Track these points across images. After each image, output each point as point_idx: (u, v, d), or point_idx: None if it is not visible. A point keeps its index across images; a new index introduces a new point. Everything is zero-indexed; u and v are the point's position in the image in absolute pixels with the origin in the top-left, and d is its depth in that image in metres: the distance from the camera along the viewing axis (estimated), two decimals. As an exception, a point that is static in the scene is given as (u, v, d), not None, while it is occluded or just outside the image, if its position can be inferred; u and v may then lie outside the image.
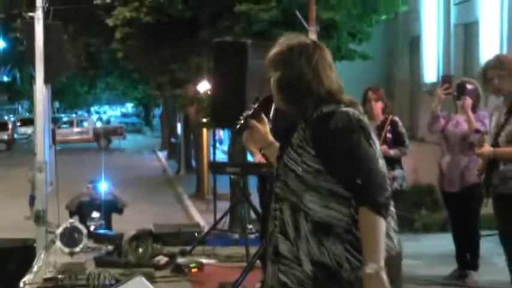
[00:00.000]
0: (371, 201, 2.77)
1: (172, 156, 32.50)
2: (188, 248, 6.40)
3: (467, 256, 7.18)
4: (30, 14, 8.51)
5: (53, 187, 8.77)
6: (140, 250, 5.92)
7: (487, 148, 5.64)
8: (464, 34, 16.50)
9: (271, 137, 3.28)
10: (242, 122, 3.25)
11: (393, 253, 2.89)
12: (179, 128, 32.17)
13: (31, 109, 48.11)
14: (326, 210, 2.84)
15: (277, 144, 3.20)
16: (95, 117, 62.54)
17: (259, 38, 12.81)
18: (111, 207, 10.20)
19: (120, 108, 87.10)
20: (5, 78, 53.26)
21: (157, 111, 54.29)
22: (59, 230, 6.12)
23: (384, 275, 2.74)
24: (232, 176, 7.31)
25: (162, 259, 5.88)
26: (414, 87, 19.27)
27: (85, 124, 46.88)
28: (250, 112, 3.27)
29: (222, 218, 6.78)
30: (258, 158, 6.05)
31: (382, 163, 2.89)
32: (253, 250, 5.74)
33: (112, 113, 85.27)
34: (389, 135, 7.32)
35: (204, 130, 21.09)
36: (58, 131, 29.24)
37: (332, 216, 2.83)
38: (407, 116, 17.90)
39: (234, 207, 7.09)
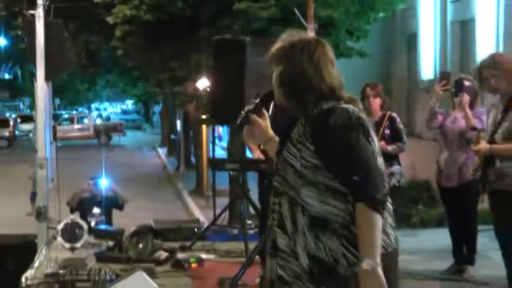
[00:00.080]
0: (368, 198, 2.78)
1: (172, 152, 32.49)
2: (188, 243, 6.41)
3: (464, 251, 7.22)
4: (31, 11, 8.55)
5: (54, 183, 8.81)
6: (140, 246, 5.93)
7: (484, 145, 5.64)
8: (461, 31, 16.51)
9: (271, 132, 3.28)
10: (243, 116, 3.25)
11: (390, 249, 2.91)
12: (179, 124, 32.18)
13: (32, 106, 48.09)
14: (323, 206, 2.85)
15: (277, 139, 3.21)
16: (95, 114, 62.47)
17: (258, 35, 12.83)
18: (112, 203, 10.19)
19: (120, 105, 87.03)
20: (7, 76, 53.37)
21: (157, 108, 54.26)
22: (60, 226, 6.12)
23: (380, 271, 2.75)
24: (231, 172, 7.33)
25: (162, 254, 5.89)
26: (411, 84, 19.28)
27: (85, 121, 46.88)
28: (251, 107, 3.27)
29: (221, 213, 6.80)
30: (257, 155, 6.06)
31: (380, 160, 2.90)
32: (252, 245, 5.76)
33: (112, 110, 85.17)
34: (387, 131, 7.32)
35: (204, 127, 21.08)
36: (59, 128, 29.16)
37: (329, 211, 2.85)
38: (405, 112, 17.91)
39: (233, 203, 7.08)
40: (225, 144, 23.54)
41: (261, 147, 5.63)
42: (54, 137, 9.43)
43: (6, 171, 25.80)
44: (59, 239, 6.07)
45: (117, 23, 16.65)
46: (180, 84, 19.89)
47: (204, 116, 19.31)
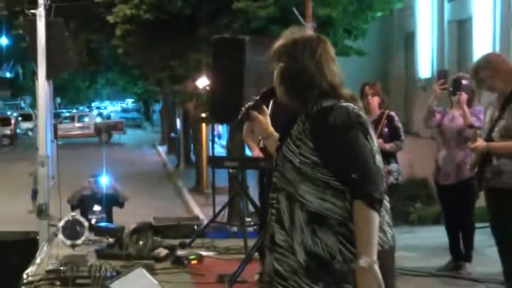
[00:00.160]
0: (366, 196, 2.79)
1: (172, 150, 32.50)
2: (188, 240, 6.44)
3: (460, 248, 7.26)
4: (32, 11, 8.57)
5: (55, 181, 8.83)
6: (141, 243, 5.95)
7: (481, 142, 5.67)
8: (458, 30, 16.53)
9: (271, 128, 3.29)
10: (244, 113, 3.27)
11: (386, 247, 2.92)
12: (178, 123, 32.20)
13: (33, 105, 48.08)
14: (321, 202, 2.86)
15: (276, 135, 3.21)
16: (95, 112, 62.47)
17: (257, 34, 12.86)
18: (112, 201, 10.19)
19: (121, 103, 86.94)
20: (8, 74, 53.34)
21: (157, 107, 54.22)
22: (61, 223, 6.16)
23: (376, 268, 2.77)
24: (230, 170, 7.38)
25: (162, 251, 5.92)
26: (409, 82, 19.29)
27: (86, 119, 46.93)
28: (252, 103, 3.28)
29: (220, 211, 6.80)
30: (256, 153, 6.10)
31: (379, 159, 2.92)
32: (251, 242, 5.78)
33: (112, 108, 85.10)
34: (385, 129, 7.37)
35: (203, 125, 21.07)
36: (60, 126, 29.20)
37: (327, 208, 2.86)
38: (403, 111, 17.90)
39: (232, 200, 7.11)
40: (224, 142, 23.53)
41: (260, 145, 5.70)
42: (55, 135, 9.46)
43: (7, 169, 25.83)
44: (60, 236, 6.10)
45: (118, 22, 16.65)
46: (179, 83, 19.90)
47: (203, 115, 19.37)
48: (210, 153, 18.05)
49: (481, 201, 6.03)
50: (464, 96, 7.08)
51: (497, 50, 12.91)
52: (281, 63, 3.01)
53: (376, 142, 2.95)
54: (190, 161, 27.44)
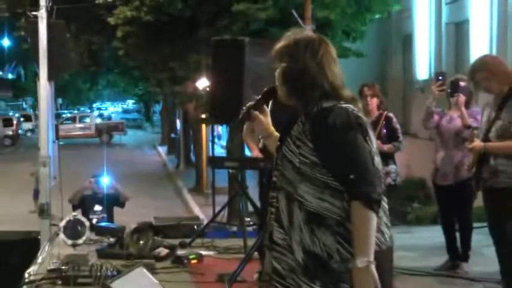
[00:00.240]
0: (364, 197, 2.80)
1: (172, 151, 32.52)
2: (188, 240, 6.49)
3: (457, 247, 7.29)
4: (34, 13, 8.62)
5: (56, 181, 8.88)
6: (141, 242, 6.00)
7: (478, 143, 5.67)
8: (455, 32, 16.60)
9: (272, 128, 3.30)
10: (245, 112, 3.27)
11: (384, 247, 2.92)
12: (179, 123, 32.24)
13: (35, 105, 48.18)
14: (320, 202, 2.87)
15: (277, 134, 3.22)
16: (96, 113, 62.50)
17: (256, 36, 12.90)
18: (113, 201, 10.18)
19: (121, 104, 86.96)
20: (10, 76, 53.41)
21: (157, 108, 54.22)
22: (63, 223, 6.21)
23: (373, 269, 2.78)
24: (230, 170, 7.38)
25: (163, 251, 5.96)
26: (407, 84, 19.36)
27: (87, 120, 46.99)
28: (253, 103, 3.28)
29: (220, 211, 6.84)
30: (256, 153, 6.10)
31: (378, 160, 2.92)
32: (250, 242, 5.82)
33: (113, 109, 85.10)
34: (383, 130, 7.38)
35: (203, 126, 21.09)
36: (61, 127, 29.20)
37: (325, 208, 2.87)
38: (400, 112, 17.94)
39: (232, 200, 7.14)
40: (224, 142, 23.55)
41: (260, 145, 5.74)
42: (57, 136, 9.52)
43: (9, 169, 25.88)
44: (62, 235, 6.14)
45: (118, 24, 16.66)
46: (179, 84, 19.93)
47: (203, 115, 19.40)
48: (210, 154, 18.08)
49: (478, 201, 6.05)
50: (462, 98, 7.11)
51: (494, 51, 13.00)
52: (283, 63, 3.02)
53: (375, 143, 2.96)
54: (190, 161, 27.47)
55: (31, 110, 54.46)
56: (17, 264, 6.70)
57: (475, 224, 7.30)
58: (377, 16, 16.52)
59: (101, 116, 60.45)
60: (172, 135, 33.34)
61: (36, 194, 13.62)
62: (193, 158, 26.25)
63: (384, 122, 7.44)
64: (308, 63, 2.96)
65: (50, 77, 8.60)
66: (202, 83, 17.38)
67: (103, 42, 21.07)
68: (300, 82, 2.97)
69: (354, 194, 2.82)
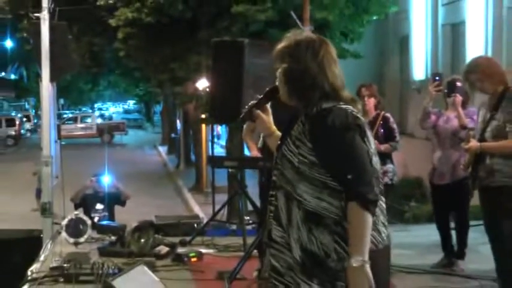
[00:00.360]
0: (360, 197, 2.81)
1: (173, 151, 32.57)
2: (188, 238, 6.56)
3: (453, 245, 7.33)
4: (37, 14, 8.65)
5: (58, 180, 8.92)
6: (142, 240, 6.05)
7: (474, 143, 5.68)
8: (452, 34, 16.67)
9: (274, 127, 3.31)
10: (246, 111, 3.28)
11: (380, 246, 2.94)
12: (179, 124, 32.28)
13: (37, 106, 48.21)
14: (318, 201, 2.89)
15: (279, 134, 3.23)
16: (97, 113, 62.53)
17: (256, 38, 12.95)
18: (114, 200, 10.20)
19: (122, 104, 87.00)
20: (13, 76, 53.48)
21: (157, 108, 54.17)
22: (65, 222, 6.28)
23: (368, 269, 2.80)
24: (230, 170, 7.42)
25: (163, 249, 6.03)
26: (404, 84, 19.43)
27: (89, 120, 47.05)
28: (255, 102, 3.30)
29: (220, 209, 6.89)
30: (255, 153, 6.09)
31: (376, 160, 2.95)
32: (250, 240, 5.89)
33: (114, 109, 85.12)
34: (381, 130, 7.39)
35: (203, 126, 21.12)
36: (63, 127, 29.24)
37: (323, 207, 2.88)
38: (397, 112, 17.99)
39: (231, 199, 7.17)
40: (223, 142, 23.59)
41: (259, 145, 5.81)
42: (59, 136, 9.55)
43: (12, 169, 25.95)
44: (64, 234, 6.22)
45: (120, 26, 16.71)
46: (180, 85, 19.97)
47: (203, 116, 19.45)
48: (210, 153, 18.10)
49: (475, 200, 6.10)
50: (458, 98, 7.14)
51: (490, 52, 13.08)
52: (284, 64, 3.03)
53: (373, 144, 2.98)
54: (190, 160, 27.52)
55: (33, 111, 54.50)
56: (19, 262, 6.72)
57: (471, 222, 7.32)
58: (374, 17, 16.60)
59: (102, 116, 60.46)
60: (173, 135, 33.39)
61: (38, 193, 13.66)
62: (193, 157, 26.29)
63: (381, 122, 7.45)
64: (309, 64, 2.97)
65: (52, 78, 8.62)
66: (203, 83, 17.43)
67: (104, 43, 21.15)
68: (300, 82, 2.98)
69: (351, 194, 2.84)
